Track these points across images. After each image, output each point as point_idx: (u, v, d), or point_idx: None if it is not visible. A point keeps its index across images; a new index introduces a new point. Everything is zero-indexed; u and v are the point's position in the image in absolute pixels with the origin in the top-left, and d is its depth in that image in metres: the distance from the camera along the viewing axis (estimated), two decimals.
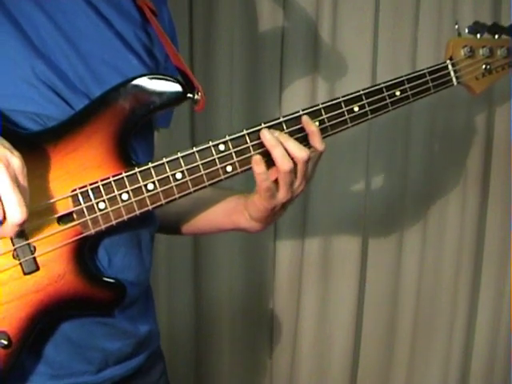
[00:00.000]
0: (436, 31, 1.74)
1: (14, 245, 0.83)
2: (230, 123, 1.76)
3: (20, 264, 0.83)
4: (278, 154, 0.92)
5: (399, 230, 1.89)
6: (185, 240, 1.85)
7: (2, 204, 0.73)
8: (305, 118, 0.97)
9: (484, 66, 1.16)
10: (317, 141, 0.96)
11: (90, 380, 0.93)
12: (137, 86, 0.89)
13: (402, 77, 1.07)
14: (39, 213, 0.85)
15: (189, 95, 0.95)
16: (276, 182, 0.94)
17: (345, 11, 1.75)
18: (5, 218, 0.74)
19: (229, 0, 1.72)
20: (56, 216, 0.85)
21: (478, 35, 1.17)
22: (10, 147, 0.76)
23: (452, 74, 1.12)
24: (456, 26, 1.16)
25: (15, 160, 0.75)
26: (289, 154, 0.93)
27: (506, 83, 1.35)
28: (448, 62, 1.12)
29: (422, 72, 1.09)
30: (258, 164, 0.92)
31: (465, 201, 1.84)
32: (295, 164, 0.93)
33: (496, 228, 1.84)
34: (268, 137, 0.93)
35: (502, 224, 1.82)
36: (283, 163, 0.92)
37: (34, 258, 0.84)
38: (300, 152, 0.93)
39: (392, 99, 1.06)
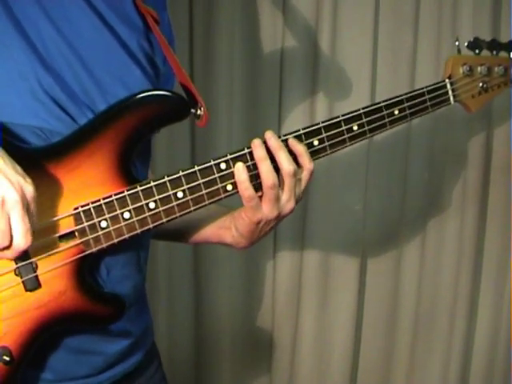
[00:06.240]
0: (436, 44, 1.72)
1: (16, 263, 0.84)
2: (230, 135, 1.70)
3: (22, 282, 0.85)
4: (263, 168, 0.93)
5: (398, 245, 1.89)
6: (185, 253, 1.85)
7: (11, 230, 0.75)
8: (290, 141, 0.97)
9: (481, 85, 1.17)
10: (305, 160, 0.97)
11: (91, 382, 0.96)
12: (140, 103, 0.89)
13: (401, 95, 1.08)
14: (41, 231, 0.85)
15: (192, 110, 0.96)
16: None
17: (344, 24, 1.72)
18: (10, 243, 0.76)
19: (229, 3, 1.68)
20: (58, 234, 0.86)
21: (477, 51, 1.18)
22: (23, 173, 0.77)
23: (450, 92, 1.13)
24: (456, 43, 1.17)
25: (29, 188, 0.76)
26: (277, 166, 0.94)
27: (506, 99, 1.35)
28: (447, 81, 1.13)
29: (421, 91, 1.10)
30: (239, 171, 0.93)
31: (463, 218, 1.82)
32: (281, 179, 0.94)
33: (495, 243, 1.83)
34: (259, 149, 0.94)
35: (502, 239, 1.81)
36: (268, 177, 0.93)
37: (37, 276, 0.85)
38: (288, 165, 0.94)
39: (390, 118, 1.07)
